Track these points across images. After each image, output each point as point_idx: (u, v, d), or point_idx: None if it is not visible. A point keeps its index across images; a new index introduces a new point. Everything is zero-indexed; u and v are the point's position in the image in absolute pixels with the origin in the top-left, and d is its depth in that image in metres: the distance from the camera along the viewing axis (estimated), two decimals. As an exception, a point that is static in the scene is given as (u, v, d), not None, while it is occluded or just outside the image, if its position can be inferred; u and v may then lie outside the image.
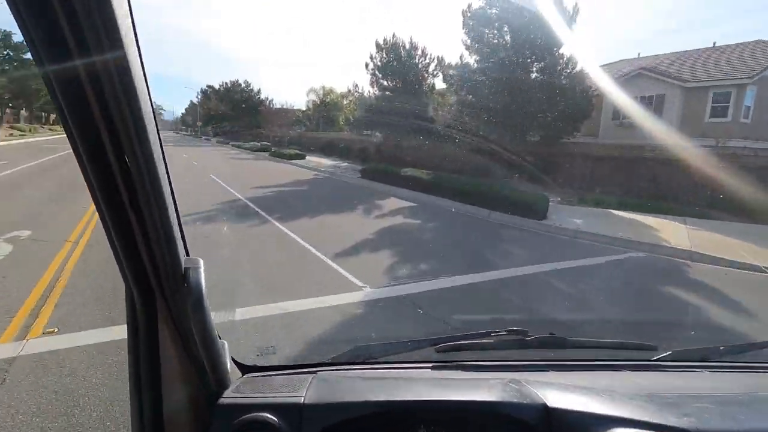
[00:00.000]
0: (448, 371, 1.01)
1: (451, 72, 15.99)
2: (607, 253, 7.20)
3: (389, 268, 5.58)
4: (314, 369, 1.02)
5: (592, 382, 0.95)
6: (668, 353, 1.16)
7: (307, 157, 25.87)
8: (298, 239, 6.90)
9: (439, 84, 20.43)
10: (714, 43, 19.30)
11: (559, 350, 1.12)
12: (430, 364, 1.04)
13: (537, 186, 14.29)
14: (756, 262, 6.76)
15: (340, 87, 50.95)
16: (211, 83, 76.38)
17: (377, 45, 20.95)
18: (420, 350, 1.08)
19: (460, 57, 15.61)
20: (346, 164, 22.83)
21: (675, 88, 16.35)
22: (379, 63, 20.99)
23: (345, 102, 37.32)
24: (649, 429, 0.72)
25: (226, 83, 55.77)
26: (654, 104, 16.99)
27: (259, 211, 9.24)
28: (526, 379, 0.91)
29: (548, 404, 0.78)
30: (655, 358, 1.14)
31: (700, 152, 12.51)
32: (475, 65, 15.36)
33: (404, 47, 20.69)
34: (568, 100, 14.59)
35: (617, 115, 18.26)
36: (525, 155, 16.02)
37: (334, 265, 5.59)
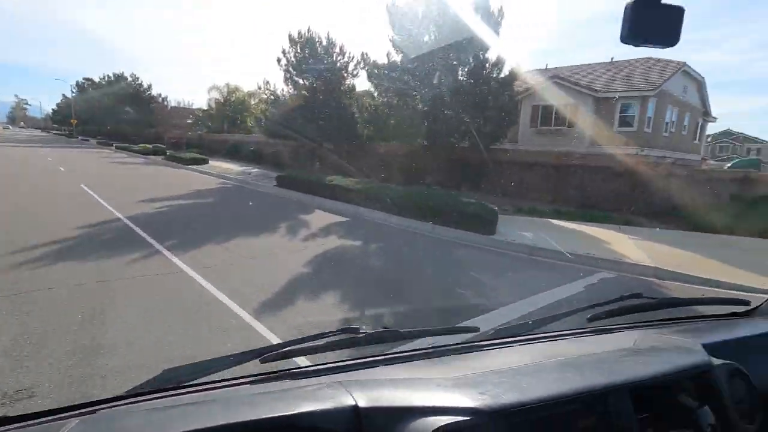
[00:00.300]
0: (273, 383, 0.92)
1: (376, 71, 14.70)
2: (577, 274, 6.35)
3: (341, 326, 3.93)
4: (94, 408, 0.82)
5: (416, 371, 0.96)
6: (490, 332, 1.20)
7: (211, 162, 22.74)
8: (202, 281, 4.90)
9: (361, 85, 19.18)
10: (612, 59, 20.77)
11: (393, 343, 1.09)
12: (251, 379, 0.93)
13: (469, 194, 13.64)
14: (718, 277, 6.43)
15: (248, 85, 47.27)
16: (89, 75, 66.73)
17: (290, 39, 18.94)
18: (244, 364, 0.95)
19: (387, 55, 14.42)
20: (257, 170, 20.36)
21: (587, 98, 17.01)
22: (293, 59, 18.98)
23: (253, 102, 34.32)
24: (445, 414, 0.74)
25: (108, 76, 48.36)
26: (568, 112, 17.55)
27: (146, 236, 6.89)
28: (351, 378, 0.89)
29: (359, 405, 0.76)
30: (478, 339, 1.16)
31: (622, 160, 12.83)
32: (402, 65, 14.27)
33: (321, 43, 18.97)
34: (497, 105, 14.19)
35: (535, 121, 18.63)
36: (455, 162, 15.36)
37: (260, 327, 3.78)
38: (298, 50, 18.95)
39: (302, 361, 1.20)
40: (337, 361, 1.03)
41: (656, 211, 12.38)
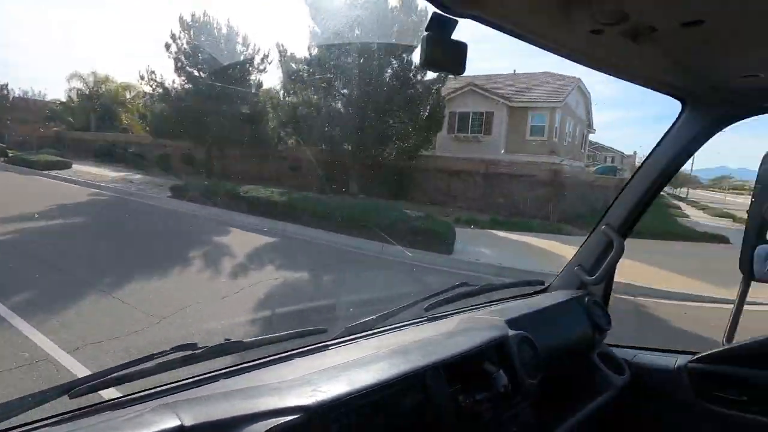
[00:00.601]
0: (86, 419, 0.79)
1: (294, 65, 12.97)
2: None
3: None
4: None
5: (257, 379, 0.93)
6: (341, 331, 1.20)
7: (75, 166, 18.36)
8: (76, 366, 2.96)
9: (269, 82, 17.17)
10: (514, 71, 21.85)
11: (236, 355, 1.03)
12: (56, 419, 0.80)
13: (398, 203, 12.75)
14: (698, 292, 6.37)
15: (121, 75, 40.66)
16: None
17: (182, 22, 16.09)
18: (49, 403, 0.81)
19: (308, 48, 12.80)
20: (140, 177, 16.90)
21: (502, 107, 17.43)
22: (185, 46, 16.13)
23: (129, 95, 29.25)
24: (275, 416, 0.74)
25: None
26: (484, 120, 17.82)
27: (-25, 288, 4.43)
28: (183, 398, 0.83)
29: (185, 424, 0.72)
30: (326, 339, 1.17)
31: (545, 169, 13.11)
32: (324, 61, 12.79)
33: (219, 30, 16.48)
34: (424, 110, 13.54)
35: (452, 128, 18.57)
36: (380, 169, 14.32)
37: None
38: (192, 36, 16.19)
39: (122, 389, 0.88)
40: (170, 383, 0.90)
41: (578, 216, 12.89)
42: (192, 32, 16.03)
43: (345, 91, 13.43)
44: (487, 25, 0.78)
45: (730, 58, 0.96)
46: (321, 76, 12.62)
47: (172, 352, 0.94)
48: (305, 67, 13.00)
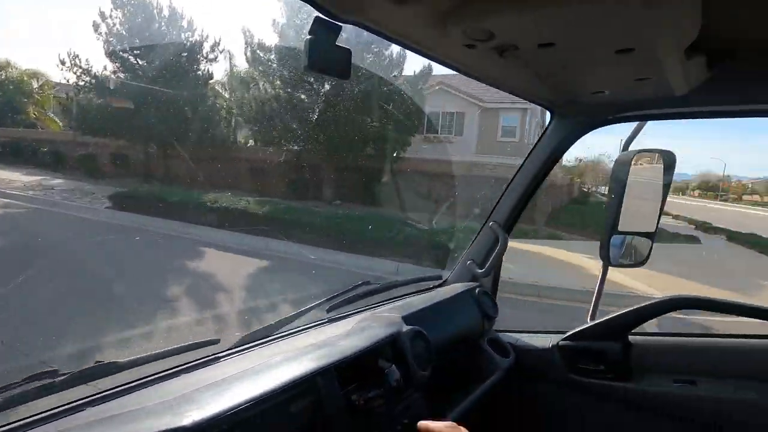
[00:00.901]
0: None
1: (261, 54, 11.30)
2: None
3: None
4: None
5: (133, 403, 0.82)
6: (236, 341, 1.14)
7: (-30, 169, 14.92)
8: None
9: (226, 73, 15.28)
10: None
11: (109, 378, 0.90)
12: None
13: (378, 209, 11.67)
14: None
15: (27, 61, 35.10)
16: None
17: (113, -2, 13.60)
18: None
19: (279, 31, 11.19)
20: (60, 182, 14.05)
21: (473, 107, 16.95)
22: (118, 27, 13.69)
23: (37, 84, 25.09)
24: None
25: None
26: (455, 120, 17.24)
27: None
28: None
29: None
30: (220, 350, 1.09)
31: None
32: (295, 51, 11.29)
33: (160, 11, 14.23)
34: (404, 108, 12.56)
35: (422, 128, 17.78)
36: (357, 172, 13.08)
37: None
38: (126, 15, 13.78)
39: None
40: (19, 420, 0.76)
41: (556, 218, 12.75)
42: (126, 10, 13.63)
43: (316, 85, 12.04)
44: (371, 32, 0.80)
45: (580, 76, 1.09)
46: (293, 68, 11.12)
47: (25, 383, 0.81)
48: (273, 57, 11.41)
